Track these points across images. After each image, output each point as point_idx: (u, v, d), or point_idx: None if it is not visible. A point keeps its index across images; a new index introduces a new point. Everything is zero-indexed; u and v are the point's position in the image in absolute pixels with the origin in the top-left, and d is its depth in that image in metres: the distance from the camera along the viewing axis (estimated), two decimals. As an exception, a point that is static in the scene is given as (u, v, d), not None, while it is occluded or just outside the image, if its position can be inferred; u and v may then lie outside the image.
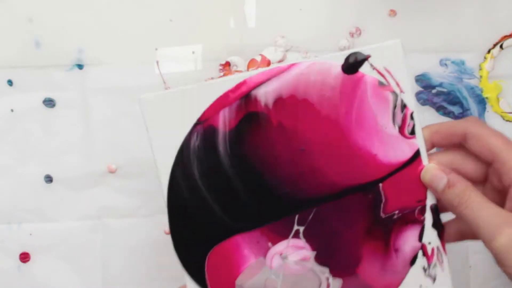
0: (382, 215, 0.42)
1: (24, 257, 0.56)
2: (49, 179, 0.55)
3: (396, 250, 0.43)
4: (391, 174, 0.41)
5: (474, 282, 0.58)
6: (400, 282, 0.43)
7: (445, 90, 0.56)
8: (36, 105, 0.55)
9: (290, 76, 0.41)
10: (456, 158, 0.41)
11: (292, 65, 0.41)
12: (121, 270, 0.56)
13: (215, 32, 0.54)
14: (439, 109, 0.56)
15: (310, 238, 0.42)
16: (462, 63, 0.56)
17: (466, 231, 0.42)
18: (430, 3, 0.55)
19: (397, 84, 0.40)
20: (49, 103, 0.55)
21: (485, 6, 0.55)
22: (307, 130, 0.41)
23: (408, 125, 0.41)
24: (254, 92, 0.41)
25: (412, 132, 0.41)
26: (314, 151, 0.41)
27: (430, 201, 0.42)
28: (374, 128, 0.40)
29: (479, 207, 0.37)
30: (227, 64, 0.55)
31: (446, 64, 0.56)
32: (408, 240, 0.42)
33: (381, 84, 0.40)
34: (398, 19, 0.55)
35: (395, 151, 0.41)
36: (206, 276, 0.43)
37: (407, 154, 0.41)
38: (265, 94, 0.41)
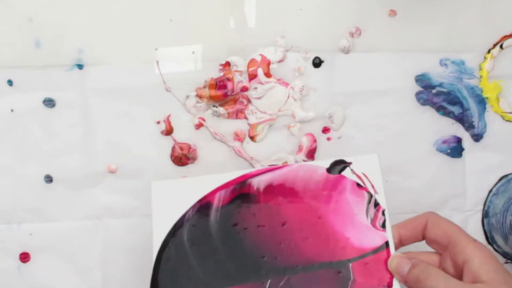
0: None
1: (24, 257, 0.56)
2: (49, 179, 0.55)
3: None
4: (361, 256, 0.46)
5: None
6: None
7: (445, 90, 0.56)
8: (36, 105, 0.55)
9: (282, 171, 0.49)
10: (413, 253, 0.46)
11: (286, 165, 0.49)
12: (121, 270, 0.56)
13: (215, 32, 0.54)
14: (439, 109, 0.56)
15: None
16: (462, 63, 0.56)
17: None
18: (430, 3, 0.55)
19: (372, 187, 0.48)
20: (49, 103, 0.55)
21: (485, 6, 0.55)
22: (290, 211, 0.48)
23: (380, 219, 0.47)
24: (249, 180, 0.49)
25: (383, 226, 0.47)
26: (294, 228, 0.47)
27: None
28: (349, 216, 0.47)
29: (442, 279, 0.42)
30: (227, 64, 0.55)
31: (446, 64, 0.56)
32: None
33: (358, 185, 0.48)
34: (398, 19, 0.55)
35: (367, 238, 0.47)
36: None
37: (377, 242, 0.46)
38: (258, 182, 0.48)
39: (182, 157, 0.56)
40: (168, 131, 0.55)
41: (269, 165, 0.56)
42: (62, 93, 0.54)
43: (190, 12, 0.54)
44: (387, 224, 0.47)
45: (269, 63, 0.55)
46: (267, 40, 0.55)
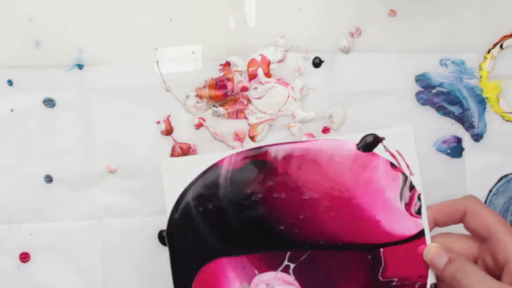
0: (381, 278, 0.43)
1: (24, 257, 0.56)
2: (49, 179, 0.55)
3: None
4: (393, 243, 0.43)
5: None
6: None
7: (445, 90, 0.56)
8: (36, 105, 0.55)
9: (305, 144, 0.44)
10: (449, 240, 0.44)
11: (310, 140, 0.44)
12: (121, 270, 0.56)
13: (215, 32, 0.54)
14: (439, 109, 0.56)
15: (301, 276, 0.43)
16: (462, 63, 0.56)
17: None
18: (430, 3, 0.55)
19: (407, 167, 0.43)
20: (49, 103, 0.55)
21: (485, 6, 0.55)
22: (312, 184, 0.43)
23: (415, 205, 0.43)
24: (265, 147, 0.44)
25: (418, 212, 0.43)
26: (318, 203, 0.43)
27: (430, 280, 0.43)
28: (380, 197, 0.43)
29: (480, 278, 0.39)
30: (227, 64, 0.55)
31: (446, 64, 0.56)
32: None
33: (392, 165, 0.43)
34: (398, 19, 0.55)
35: (400, 224, 0.43)
36: None
37: (412, 230, 0.43)
38: (276, 151, 0.43)
39: (182, 157, 0.56)
40: (168, 131, 0.55)
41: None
42: (62, 93, 0.54)
43: (190, 12, 0.54)
44: (423, 211, 0.43)
45: (269, 63, 0.55)
46: (267, 40, 0.55)
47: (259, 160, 0.43)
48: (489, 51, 0.56)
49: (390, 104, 0.56)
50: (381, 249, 0.43)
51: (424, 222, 0.43)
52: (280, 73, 0.55)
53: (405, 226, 0.43)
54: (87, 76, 0.54)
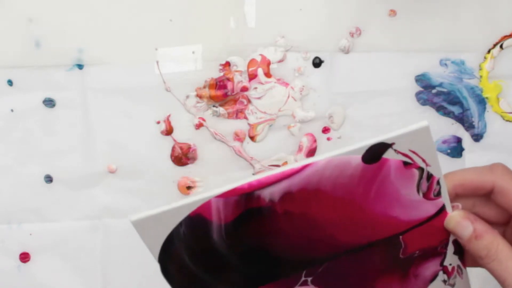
0: (401, 256, 0.41)
1: (24, 257, 0.56)
2: (49, 179, 0.55)
3: (416, 276, 0.42)
4: (412, 228, 0.40)
5: (474, 282, 0.58)
6: None
7: (445, 90, 0.56)
8: (36, 105, 0.55)
9: (302, 176, 0.37)
10: (478, 202, 0.40)
11: (306, 166, 0.36)
12: (121, 270, 0.56)
13: (215, 32, 0.54)
14: (439, 109, 0.56)
15: (320, 284, 0.41)
16: (462, 63, 0.56)
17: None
18: (430, 3, 0.55)
19: (423, 161, 0.38)
20: (49, 103, 0.55)
21: (485, 6, 0.55)
22: (318, 212, 0.38)
23: (434, 190, 0.39)
24: (257, 192, 0.36)
25: (438, 194, 0.39)
26: (326, 226, 0.39)
27: (452, 237, 0.41)
28: (395, 198, 0.39)
29: (508, 260, 0.37)
30: (227, 64, 0.55)
31: (446, 64, 0.56)
32: (429, 268, 0.42)
33: (406, 164, 0.38)
34: (398, 19, 0.55)
35: (418, 211, 0.39)
36: None
37: (431, 211, 0.39)
38: (270, 194, 0.37)
39: (182, 157, 0.56)
40: (168, 131, 0.55)
41: (272, 165, 0.53)
42: (62, 93, 0.54)
43: (190, 12, 0.54)
44: (443, 191, 0.39)
45: (269, 63, 0.55)
46: (267, 40, 0.55)
47: (253, 208, 0.37)
48: (489, 51, 0.56)
49: (390, 104, 0.56)
50: (400, 237, 0.40)
51: (444, 199, 0.39)
52: (280, 73, 0.55)
53: (423, 210, 0.39)
54: (87, 76, 0.54)
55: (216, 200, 0.36)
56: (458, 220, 0.38)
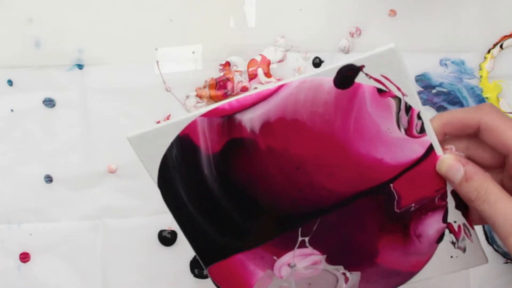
0: (397, 210, 0.40)
1: (24, 257, 0.56)
2: (49, 179, 0.55)
3: (419, 236, 0.41)
4: (402, 173, 0.39)
5: (474, 282, 0.58)
6: (428, 259, 0.42)
7: (445, 90, 0.56)
8: (36, 105, 0.55)
9: (278, 99, 0.37)
10: (472, 144, 0.39)
11: (280, 86, 0.37)
12: (121, 270, 0.56)
13: (215, 32, 0.54)
14: (439, 109, 0.56)
15: (318, 245, 0.41)
16: (462, 63, 0.56)
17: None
18: (430, 3, 0.55)
19: (398, 89, 0.37)
20: (49, 103, 0.55)
21: (485, 6, 0.55)
22: (300, 149, 0.38)
23: (416, 125, 0.38)
24: (238, 116, 0.38)
25: (422, 131, 0.38)
26: (311, 168, 0.39)
27: (450, 187, 0.40)
28: (376, 134, 0.38)
29: (497, 202, 0.36)
30: (227, 64, 0.55)
31: (446, 64, 0.56)
32: (431, 225, 0.41)
33: (380, 91, 0.37)
34: (398, 19, 0.55)
35: (404, 151, 0.39)
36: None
37: (418, 152, 0.39)
38: (251, 120, 0.38)
39: (182, 157, 0.55)
40: (168, 131, 0.55)
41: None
42: (62, 93, 0.54)
43: (190, 12, 0.54)
44: (427, 126, 0.38)
45: (269, 63, 0.55)
46: (267, 40, 0.55)
47: (236, 138, 0.38)
48: (489, 51, 0.56)
49: (390, 104, 0.56)
50: (391, 185, 0.39)
51: (430, 136, 0.38)
52: (280, 73, 0.55)
53: (409, 150, 0.38)
54: (87, 76, 0.54)
55: (201, 120, 0.38)
56: (450, 163, 0.38)
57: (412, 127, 0.38)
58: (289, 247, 0.41)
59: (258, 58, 0.55)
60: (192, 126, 0.38)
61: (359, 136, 0.38)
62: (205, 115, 0.38)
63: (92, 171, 0.55)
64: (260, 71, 0.55)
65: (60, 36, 0.54)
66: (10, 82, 0.54)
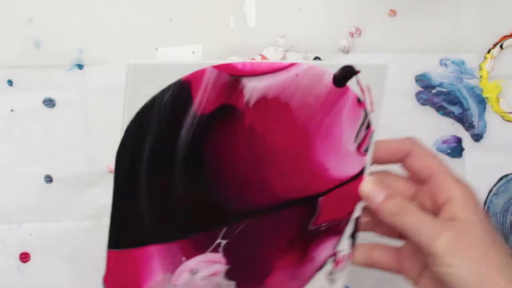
0: (311, 227, 0.41)
1: (24, 257, 0.56)
2: (49, 179, 0.55)
3: (311, 259, 0.42)
4: (333, 188, 0.40)
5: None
6: (302, 286, 0.42)
7: (445, 90, 0.56)
8: (36, 105, 0.55)
9: (284, 77, 0.36)
10: (388, 179, 0.43)
11: (292, 64, 0.36)
12: (121, 270, 0.56)
13: (215, 32, 0.54)
14: (439, 109, 0.56)
15: (229, 252, 0.39)
16: (462, 63, 0.56)
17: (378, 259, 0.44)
18: (430, 3, 0.55)
19: (371, 103, 0.40)
20: (49, 103, 0.55)
21: (485, 6, 0.55)
22: (276, 137, 0.37)
23: (366, 143, 0.40)
24: (244, 81, 0.35)
25: (366, 150, 0.41)
26: (271, 161, 0.38)
27: (356, 213, 0.42)
28: (337, 142, 0.39)
29: (418, 212, 0.40)
30: (227, 64, 0.55)
31: (446, 64, 0.56)
32: (325, 250, 0.42)
33: (358, 100, 0.39)
34: (398, 19, 0.55)
35: (346, 166, 0.40)
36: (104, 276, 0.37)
37: (355, 170, 0.40)
38: (252, 90, 0.35)
39: (182, 157, 0.55)
40: (168, 131, 0.55)
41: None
42: (62, 93, 0.54)
43: (190, 12, 0.54)
44: (371, 147, 0.41)
45: (269, 63, 0.55)
46: (267, 40, 0.55)
47: (230, 105, 0.35)
48: (489, 51, 0.56)
49: (390, 104, 0.56)
50: (320, 198, 0.40)
51: (368, 159, 0.41)
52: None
53: (350, 167, 0.40)
54: (87, 76, 0.54)
55: (211, 71, 0.34)
56: (374, 185, 0.41)
57: (363, 144, 0.40)
58: (203, 249, 0.38)
59: (258, 58, 0.55)
60: (198, 74, 0.34)
61: (325, 139, 0.39)
62: (217, 67, 0.34)
63: (92, 171, 0.55)
64: (260, 71, 0.55)
65: (60, 36, 0.54)
66: (10, 82, 0.54)
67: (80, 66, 0.54)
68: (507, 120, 0.57)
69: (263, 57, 0.55)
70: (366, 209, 0.43)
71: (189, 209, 0.36)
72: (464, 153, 0.57)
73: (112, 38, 0.54)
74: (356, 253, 0.44)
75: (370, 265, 0.44)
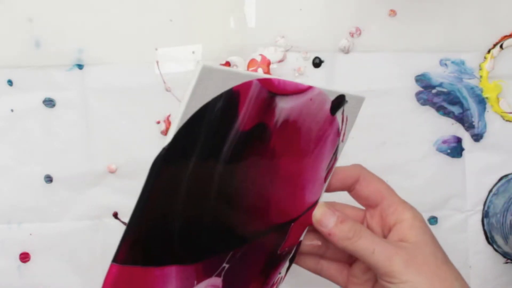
0: (279, 252, 0.42)
1: (24, 257, 0.56)
2: (49, 179, 0.55)
3: (266, 285, 0.42)
4: (302, 214, 0.41)
5: (474, 282, 0.58)
6: None
7: (445, 90, 0.56)
8: (36, 105, 0.55)
9: (303, 100, 0.35)
10: (337, 206, 0.44)
11: (310, 88, 0.36)
12: (121, 270, 0.56)
13: (215, 32, 0.54)
14: (439, 109, 0.56)
15: (227, 276, 0.38)
16: (462, 63, 0.56)
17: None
18: (430, 3, 0.55)
19: (344, 134, 0.41)
20: (49, 103, 0.55)
21: (485, 6, 0.55)
22: (284, 163, 0.37)
23: (329, 173, 0.42)
24: (277, 100, 0.33)
25: (326, 179, 0.42)
26: (279, 184, 0.37)
27: (301, 238, 0.43)
28: (319, 169, 0.40)
29: (372, 236, 0.41)
30: (227, 64, 0.55)
31: (446, 64, 0.56)
32: (276, 275, 0.43)
33: (338, 130, 0.40)
34: (398, 19, 0.55)
35: (315, 192, 0.41)
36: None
37: (316, 196, 0.41)
38: (281, 110, 0.34)
39: (182, 157, 0.55)
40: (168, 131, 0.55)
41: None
42: (62, 93, 0.54)
43: (190, 12, 0.54)
44: (329, 178, 0.42)
45: (269, 63, 0.55)
46: (267, 40, 0.55)
47: (265, 124, 0.33)
48: (489, 51, 0.56)
49: (390, 104, 0.56)
50: (292, 224, 0.40)
51: (325, 187, 0.42)
52: (280, 73, 0.55)
53: (317, 192, 0.41)
54: (87, 76, 0.54)
55: (256, 84, 0.32)
56: (325, 211, 0.42)
57: (329, 173, 0.41)
58: (210, 273, 0.36)
59: (258, 58, 0.55)
60: (246, 86, 0.32)
61: (313, 165, 0.39)
62: (261, 80, 0.32)
63: (92, 171, 0.55)
64: (260, 71, 0.55)
65: (60, 36, 0.54)
66: (10, 82, 0.54)
67: (80, 66, 0.54)
68: (507, 120, 0.57)
69: (263, 57, 0.55)
70: (316, 234, 0.44)
71: (213, 231, 0.35)
72: (464, 153, 0.57)
73: (112, 38, 0.54)
74: (306, 259, 0.45)
75: (318, 273, 0.46)
